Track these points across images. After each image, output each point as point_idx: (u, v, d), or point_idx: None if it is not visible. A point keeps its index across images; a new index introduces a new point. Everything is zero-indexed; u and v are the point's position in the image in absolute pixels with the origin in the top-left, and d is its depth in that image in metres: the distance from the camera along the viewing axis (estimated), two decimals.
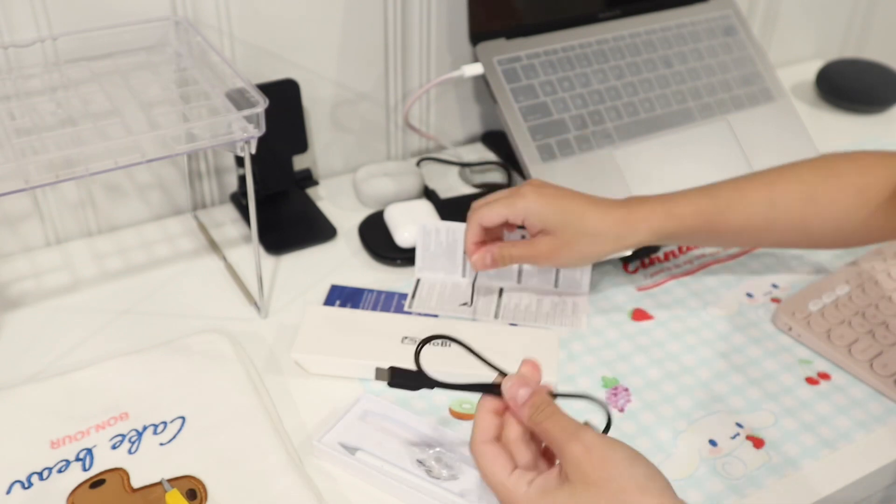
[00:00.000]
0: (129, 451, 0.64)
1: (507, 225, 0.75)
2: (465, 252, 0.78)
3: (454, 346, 0.72)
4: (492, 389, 0.57)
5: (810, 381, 0.73)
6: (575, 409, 0.55)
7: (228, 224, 0.91)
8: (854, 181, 0.73)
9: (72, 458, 0.63)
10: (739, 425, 0.69)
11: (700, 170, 0.92)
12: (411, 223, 0.84)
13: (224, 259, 0.85)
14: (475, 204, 0.75)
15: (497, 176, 1.03)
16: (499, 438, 0.55)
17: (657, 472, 0.50)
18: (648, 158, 0.91)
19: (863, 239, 0.76)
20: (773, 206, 0.73)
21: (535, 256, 0.74)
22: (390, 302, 0.80)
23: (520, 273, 0.82)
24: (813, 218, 0.74)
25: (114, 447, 0.64)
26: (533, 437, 0.55)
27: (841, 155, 0.76)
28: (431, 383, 0.59)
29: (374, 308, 0.79)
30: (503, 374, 0.59)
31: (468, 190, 0.98)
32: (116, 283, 0.82)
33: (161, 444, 0.64)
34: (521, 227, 0.75)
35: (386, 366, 0.59)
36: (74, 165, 0.65)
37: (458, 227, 0.81)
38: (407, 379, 0.60)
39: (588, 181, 0.87)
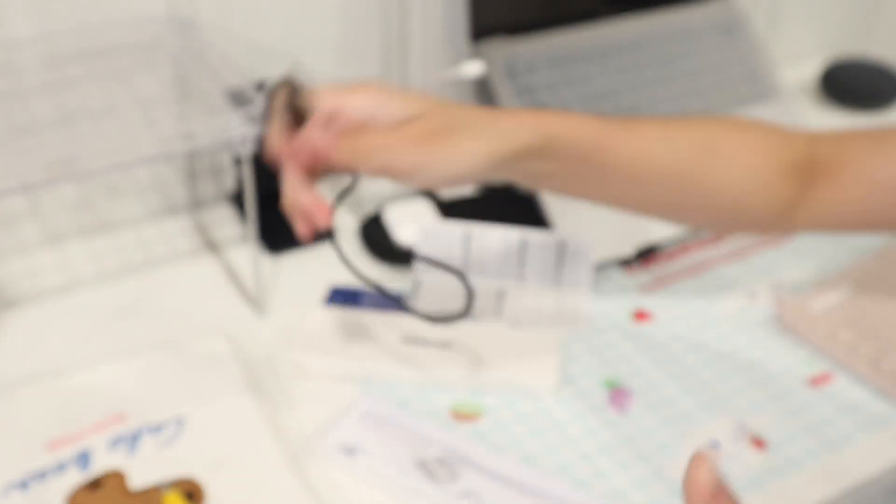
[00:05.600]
0: (128, 453, 0.63)
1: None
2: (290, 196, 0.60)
3: (454, 346, 0.72)
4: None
5: (812, 381, 0.73)
6: None
7: (227, 224, 0.91)
8: (761, 141, 0.65)
9: (69, 459, 0.63)
10: (741, 426, 0.68)
11: None
12: (411, 223, 0.84)
13: (223, 259, 0.85)
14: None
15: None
16: None
17: None
18: None
19: (754, 211, 0.66)
20: (670, 147, 0.63)
21: (396, 150, 0.54)
22: (390, 302, 0.80)
23: (520, 273, 0.81)
24: (710, 171, 0.64)
25: (112, 449, 0.63)
26: None
27: (743, 118, 0.68)
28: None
29: (374, 308, 0.79)
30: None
31: (468, 190, 0.98)
32: (114, 283, 0.82)
33: (159, 446, 0.64)
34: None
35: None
36: (71, 165, 0.64)
37: (458, 228, 0.81)
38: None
39: None
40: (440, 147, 0.54)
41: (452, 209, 0.89)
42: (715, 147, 0.64)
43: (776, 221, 0.66)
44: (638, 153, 0.62)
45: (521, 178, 0.62)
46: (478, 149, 0.56)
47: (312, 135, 0.56)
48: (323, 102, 0.56)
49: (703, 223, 0.72)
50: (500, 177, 0.60)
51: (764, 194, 0.64)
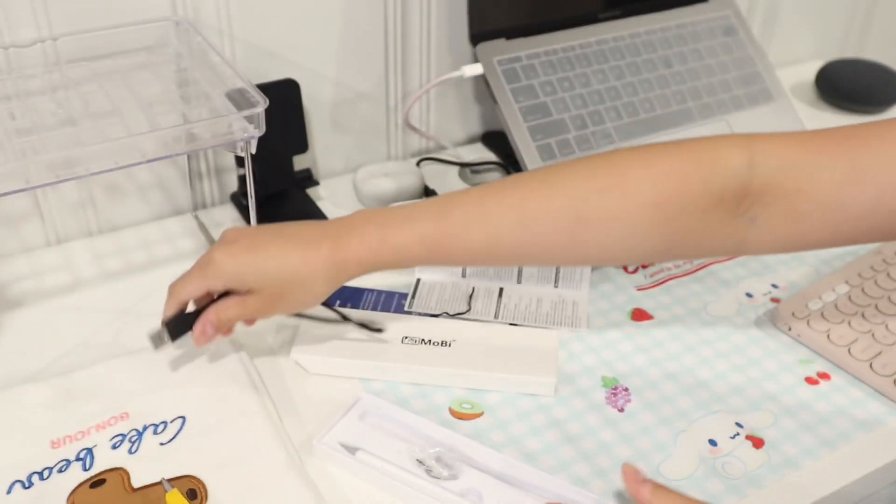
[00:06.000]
0: (130, 451, 0.64)
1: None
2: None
3: (454, 346, 0.73)
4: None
5: (810, 380, 0.73)
6: None
7: (229, 224, 0.91)
8: (649, 196, 0.61)
9: (72, 457, 0.63)
10: (739, 425, 0.69)
11: None
12: None
13: None
14: (171, 285, 0.68)
15: (497, 176, 1.03)
16: None
17: None
18: None
19: (657, 254, 0.66)
20: (526, 228, 0.63)
21: (251, 314, 0.67)
22: (390, 302, 0.80)
23: (519, 273, 0.82)
24: (586, 239, 0.63)
25: (114, 447, 0.64)
26: None
27: (630, 155, 0.64)
28: (192, 319, 0.66)
29: (374, 308, 0.79)
30: (376, 329, 0.68)
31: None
32: (116, 283, 0.82)
33: (161, 444, 0.64)
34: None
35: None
36: (75, 165, 0.65)
37: None
38: (181, 324, 0.67)
39: None
40: (283, 306, 0.69)
41: None
42: (585, 217, 0.62)
43: (725, 249, 0.65)
44: (486, 243, 0.64)
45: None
46: (314, 297, 0.68)
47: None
48: (190, 294, 0.68)
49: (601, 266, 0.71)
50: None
51: (662, 243, 0.63)
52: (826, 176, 0.60)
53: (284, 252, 0.64)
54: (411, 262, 0.66)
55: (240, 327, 0.76)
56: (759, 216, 0.62)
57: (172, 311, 0.67)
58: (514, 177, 0.66)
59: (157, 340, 0.68)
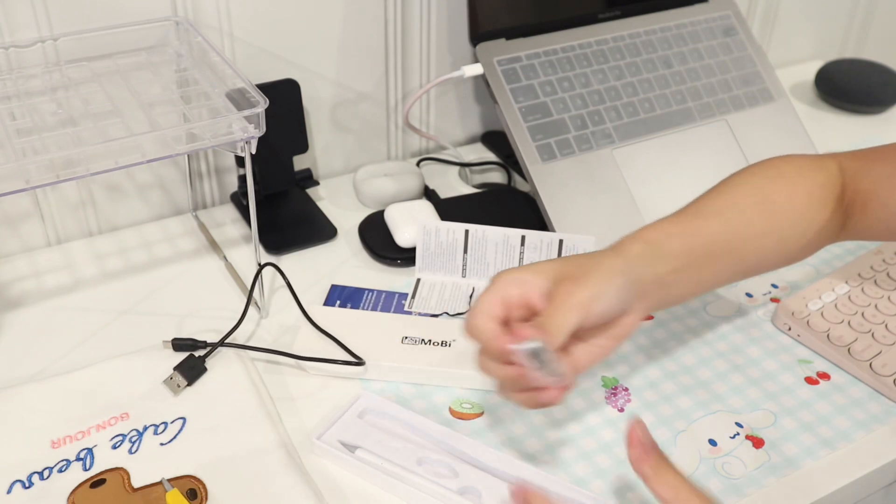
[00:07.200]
0: (130, 451, 0.64)
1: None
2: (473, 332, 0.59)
3: (454, 346, 0.73)
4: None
5: (810, 380, 0.73)
6: None
7: (229, 224, 0.91)
8: (801, 182, 0.69)
9: (72, 457, 0.63)
10: (739, 425, 0.69)
11: (699, 170, 0.92)
12: (411, 223, 0.84)
13: (224, 259, 0.86)
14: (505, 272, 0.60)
15: (497, 176, 1.03)
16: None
17: None
18: (648, 158, 0.91)
19: (811, 246, 0.70)
20: (742, 213, 0.67)
21: (563, 319, 0.57)
22: (390, 302, 0.80)
23: None
24: (772, 222, 0.67)
25: (114, 447, 0.64)
26: None
27: (776, 158, 0.71)
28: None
29: (374, 308, 0.80)
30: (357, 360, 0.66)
31: (468, 190, 0.98)
32: (117, 283, 0.82)
33: (161, 444, 0.64)
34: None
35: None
36: (75, 165, 0.65)
37: (458, 228, 0.81)
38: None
39: (588, 181, 0.88)
40: (590, 299, 0.57)
41: (452, 209, 0.89)
42: (768, 198, 0.68)
43: (814, 251, 0.71)
44: (723, 231, 0.66)
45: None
46: (617, 284, 0.59)
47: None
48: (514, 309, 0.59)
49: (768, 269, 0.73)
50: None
51: (817, 235, 0.69)
52: (883, 179, 0.68)
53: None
54: (671, 261, 0.65)
55: (240, 328, 0.76)
56: (849, 222, 0.70)
57: (493, 303, 0.59)
58: (698, 199, 0.68)
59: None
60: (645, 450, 0.53)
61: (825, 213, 0.68)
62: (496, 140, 1.05)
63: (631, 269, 0.60)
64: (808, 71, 1.24)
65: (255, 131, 0.69)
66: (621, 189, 0.88)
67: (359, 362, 0.70)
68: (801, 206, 0.68)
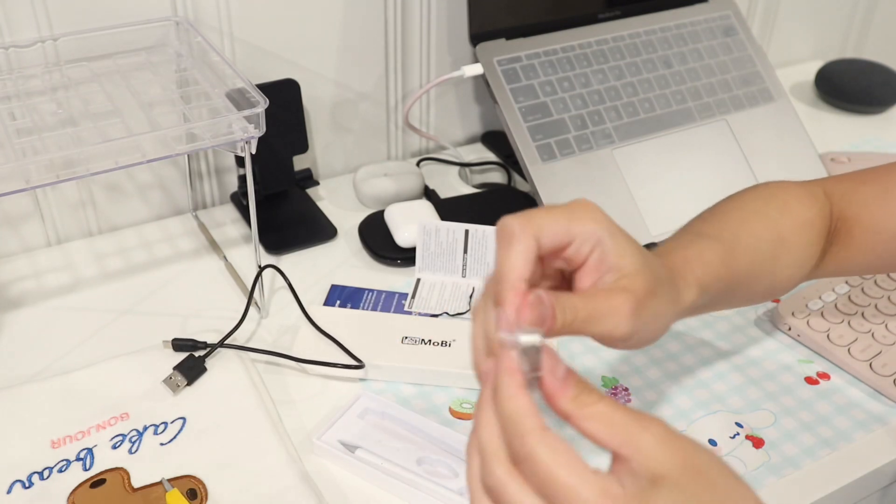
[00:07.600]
0: (130, 451, 0.64)
1: (547, 263, 0.49)
2: (490, 289, 0.48)
3: (454, 346, 0.73)
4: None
5: (810, 380, 0.73)
6: None
7: (229, 224, 0.91)
8: (802, 215, 0.64)
9: (72, 457, 0.63)
10: (739, 425, 0.69)
11: (699, 170, 0.92)
12: (411, 223, 0.85)
13: (224, 259, 0.86)
14: (519, 216, 0.46)
15: (497, 176, 1.03)
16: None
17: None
18: (648, 158, 0.91)
19: (801, 281, 0.67)
20: (763, 251, 0.62)
21: (616, 320, 0.48)
22: (390, 302, 0.80)
23: None
24: (782, 259, 0.64)
25: (114, 447, 0.64)
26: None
27: (773, 185, 0.67)
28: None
29: (374, 308, 0.80)
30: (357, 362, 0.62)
31: (468, 190, 0.98)
32: (117, 283, 0.82)
33: (161, 444, 0.64)
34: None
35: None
36: (75, 165, 0.65)
37: (458, 228, 0.81)
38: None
39: (588, 181, 0.88)
40: (648, 317, 0.50)
41: (452, 209, 0.89)
42: (780, 236, 0.63)
43: (799, 281, 0.67)
44: (750, 271, 0.62)
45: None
46: (670, 316, 0.54)
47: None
48: (547, 234, 0.47)
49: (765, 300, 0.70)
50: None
51: (810, 272, 0.66)
52: (869, 201, 0.65)
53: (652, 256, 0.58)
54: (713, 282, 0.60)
55: (242, 327, 0.76)
56: (832, 248, 0.66)
57: (526, 255, 0.46)
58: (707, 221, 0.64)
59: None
60: (560, 381, 0.41)
61: (821, 246, 0.65)
62: (496, 140, 1.05)
63: (680, 314, 0.56)
64: (808, 71, 1.24)
65: (255, 131, 0.69)
66: (621, 189, 0.88)
67: (358, 365, 0.70)
68: (804, 242, 0.64)
